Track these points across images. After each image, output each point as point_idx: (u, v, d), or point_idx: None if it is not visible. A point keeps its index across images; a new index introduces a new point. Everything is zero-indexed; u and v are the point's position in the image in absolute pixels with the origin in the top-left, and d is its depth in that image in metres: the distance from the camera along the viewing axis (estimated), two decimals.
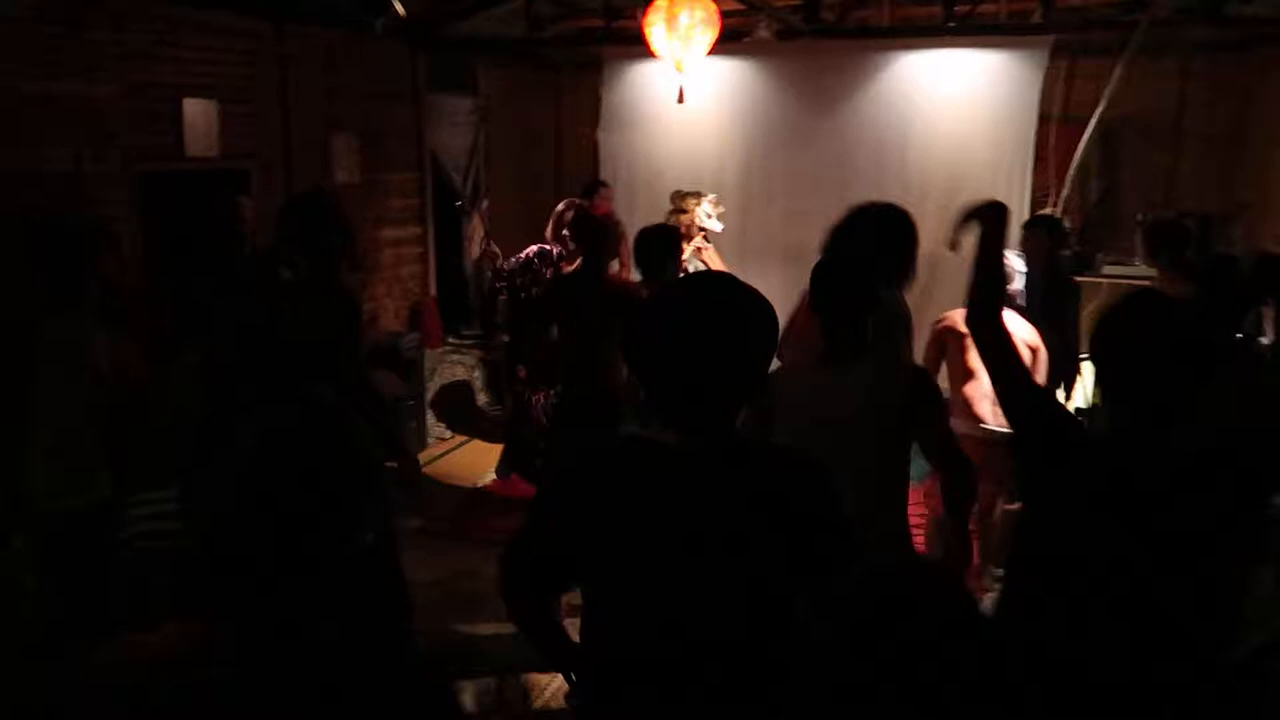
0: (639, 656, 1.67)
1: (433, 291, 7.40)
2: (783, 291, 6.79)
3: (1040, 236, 4.88)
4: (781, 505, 1.64)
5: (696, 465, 1.65)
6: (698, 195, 5.93)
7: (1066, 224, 6.42)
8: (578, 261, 4.41)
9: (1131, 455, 1.93)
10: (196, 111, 5.14)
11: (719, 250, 6.00)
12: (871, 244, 3.04)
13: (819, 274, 2.73)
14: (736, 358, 1.64)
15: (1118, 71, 5.58)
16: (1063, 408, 2.32)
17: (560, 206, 5.74)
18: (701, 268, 5.86)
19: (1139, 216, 6.75)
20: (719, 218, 5.87)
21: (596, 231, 4.26)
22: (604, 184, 6.81)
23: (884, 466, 2.62)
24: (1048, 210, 6.53)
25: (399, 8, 5.02)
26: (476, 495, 5.98)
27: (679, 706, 1.64)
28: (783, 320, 2.03)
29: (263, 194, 5.62)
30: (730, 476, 1.65)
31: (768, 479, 1.67)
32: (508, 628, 4.21)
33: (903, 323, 3.24)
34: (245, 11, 5.42)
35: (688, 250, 5.70)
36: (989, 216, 2.33)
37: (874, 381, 2.61)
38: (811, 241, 7.37)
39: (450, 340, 7.38)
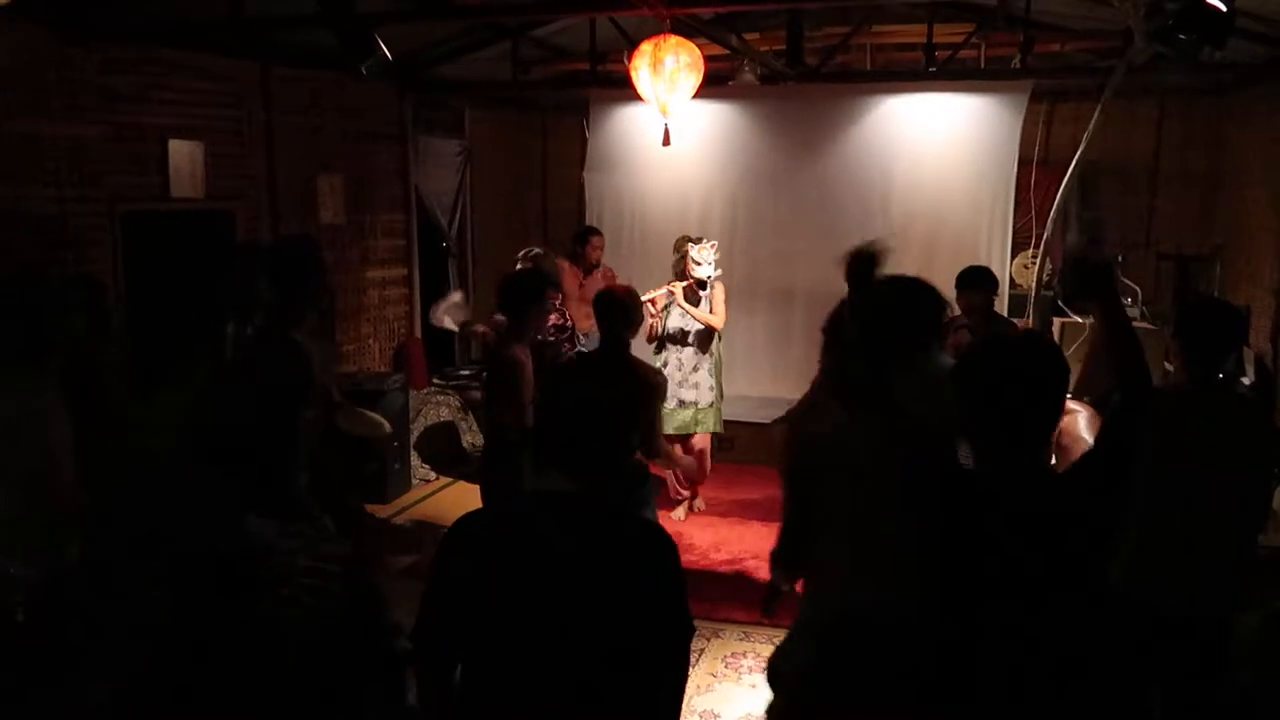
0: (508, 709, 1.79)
1: (417, 332, 7.39)
2: (769, 331, 6.87)
3: (972, 294, 4.85)
4: (618, 573, 1.79)
5: (543, 528, 1.80)
6: (689, 240, 5.83)
7: (1048, 267, 6.49)
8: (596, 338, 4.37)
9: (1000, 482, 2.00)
10: (182, 153, 5.14)
11: (727, 293, 5.87)
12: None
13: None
14: (629, 421, 1.92)
15: (1096, 116, 5.66)
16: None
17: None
18: (678, 312, 5.73)
19: (1119, 258, 6.84)
20: (714, 263, 5.71)
21: (617, 309, 4.17)
22: (595, 231, 6.74)
23: None
24: (1029, 253, 6.60)
25: (385, 51, 5.05)
26: None
27: None
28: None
29: (248, 234, 5.63)
30: (582, 543, 1.79)
31: (616, 551, 1.83)
32: None
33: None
34: (233, 55, 5.45)
35: (660, 297, 5.64)
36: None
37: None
38: (797, 282, 7.48)
39: (435, 381, 7.36)
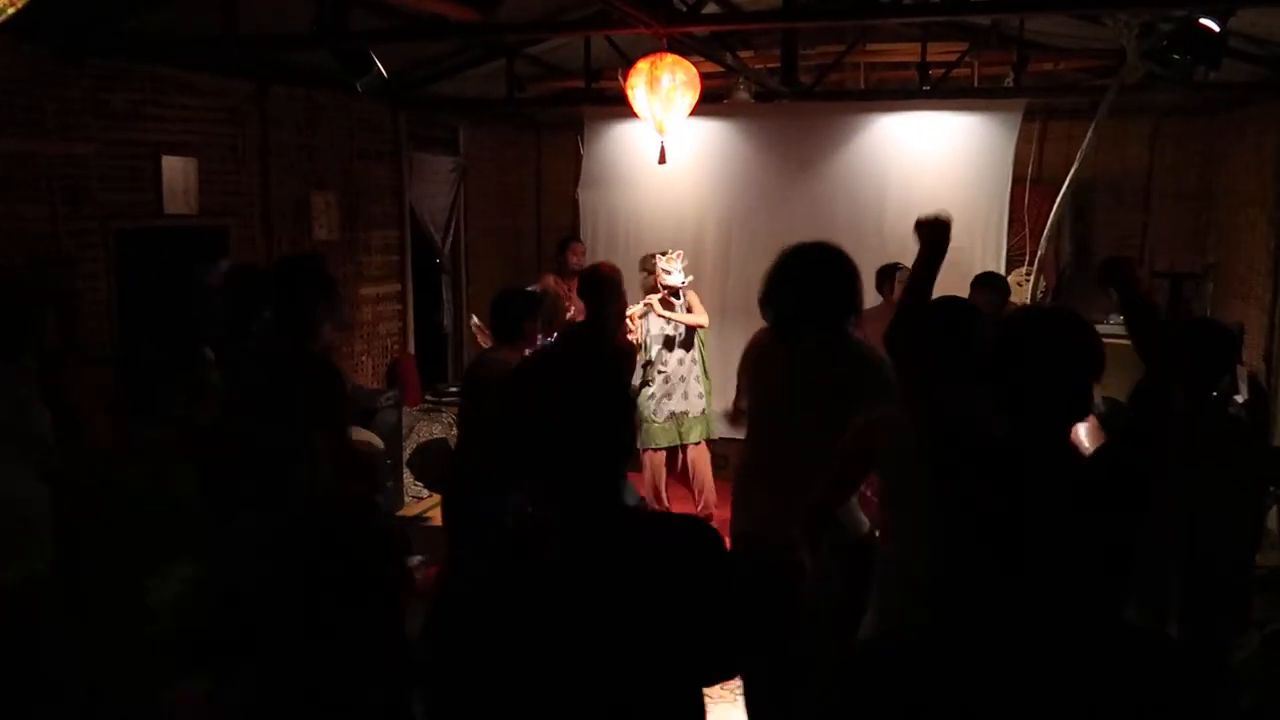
0: None
1: (411, 349, 7.36)
2: None
3: (989, 293, 4.95)
4: (663, 577, 1.59)
5: (578, 543, 1.61)
6: (655, 255, 6.00)
7: (1042, 284, 6.51)
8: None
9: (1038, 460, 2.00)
10: (176, 169, 5.13)
11: (702, 299, 5.99)
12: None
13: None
14: (592, 433, 1.62)
15: (1090, 134, 5.69)
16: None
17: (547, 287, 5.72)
18: (659, 322, 5.85)
19: None
20: (683, 270, 5.87)
21: (602, 285, 4.24)
22: (575, 239, 6.86)
23: None
24: (1024, 270, 6.62)
25: (381, 68, 5.06)
26: None
27: None
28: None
29: (242, 252, 5.61)
30: (610, 551, 1.61)
31: (649, 550, 1.63)
32: None
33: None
34: (228, 72, 5.44)
35: (637, 311, 5.76)
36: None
37: None
38: None
39: (428, 398, 7.32)
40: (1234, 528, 2.76)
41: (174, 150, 5.13)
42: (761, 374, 3.23)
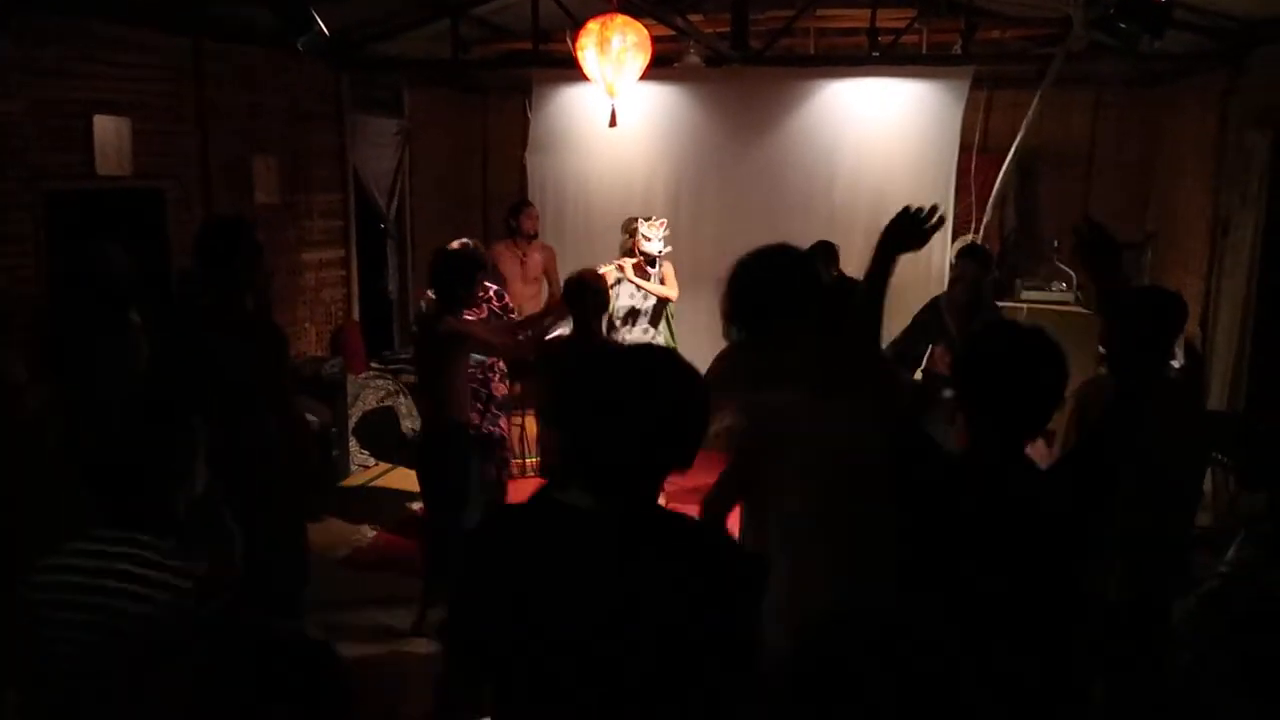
0: None
1: (355, 315, 7.24)
2: (711, 317, 6.83)
3: (974, 265, 4.97)
4: (691, 584, 1.54)
5: (607, 530, 1.56)
6: (637, 219, 5.95)
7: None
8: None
9: (997, 470, 2.02)
10: (108, 129, 4.95)
11: (677, 272, 5.95)
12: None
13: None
14: (671, 436, 1.57)
15: (1035, 103, 5.74)
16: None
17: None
18: (630, 290, 5.81)
19: (1054, 243, 6.96)
20: (663, 240, 5.83)
21: (586, 292, 4.20)
22: (528, 203, 6.77)
23: None
24: (969, 238, 6.68)
25: (322, 26, 4.91)
26: (408, 518, 5.84)
27: None
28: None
29: (180, 214, 5.45)
30: (644, 549, 1.56)
31: (680, 555, 1.57)
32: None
33: None
34: (162, 28, 5.25)
35: (609, 273, 5.66)
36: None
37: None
38: None
39: (374, 365, 7.22)
40: (1179, 492, 2.82)
41: (106, 109, 4.94)
42: None
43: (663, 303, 5.85)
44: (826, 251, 5.44)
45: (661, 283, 5.80)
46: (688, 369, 1.62)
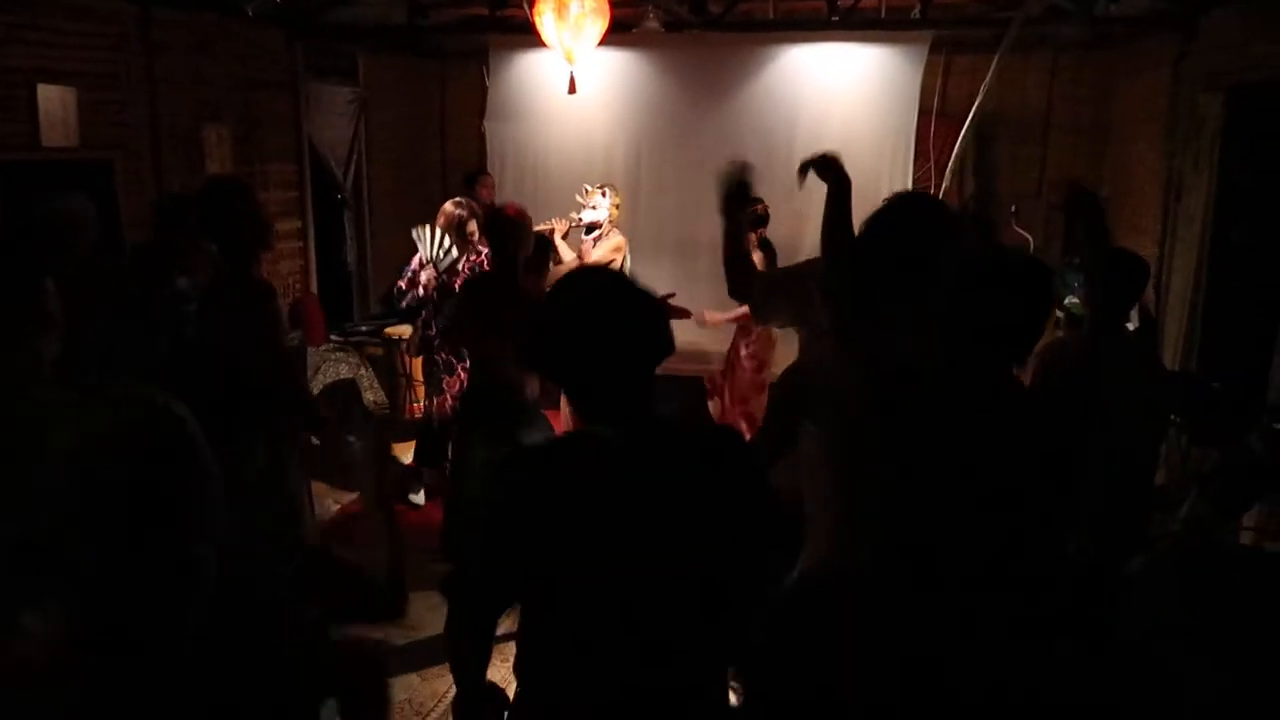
0: (593, 659, 1.66)
1: (314, 288, 7.15)
2: (674, 281, 6.84)
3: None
4: (717, 482, 1.69)
5: (635, 453, 1.66)
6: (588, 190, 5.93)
7: None
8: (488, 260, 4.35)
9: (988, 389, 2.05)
10: (53, 98, 4.81)
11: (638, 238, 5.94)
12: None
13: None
14: (645, 342, 1.69)
15: (993, 68, 5.77)
16: None
17: (451, 208, 5.49)
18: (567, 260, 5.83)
19: (1013, 208, 7.02)
20: (608, 211, 5.82)
21: (506, 228, 4.17)
22: (484, 172, 6.71)
23: None
24: None
25: None
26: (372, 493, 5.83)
27: (636, 703, 1.65)
28: None
29: (129, 186, 5.33)
30: (667, 460, 1.68)
31: (700, 457, 1.71)
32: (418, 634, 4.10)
33: None
34: None
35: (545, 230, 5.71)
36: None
37: None
38: (701, 233, 7.49)
39: (334, 338, 7.13)
40: (1136, 450, 2.88)
41: (51, 78, 4.81)
42: None
43: None
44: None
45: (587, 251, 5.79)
46: (627, 282, 1.77)
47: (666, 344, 1.72)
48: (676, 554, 1.63)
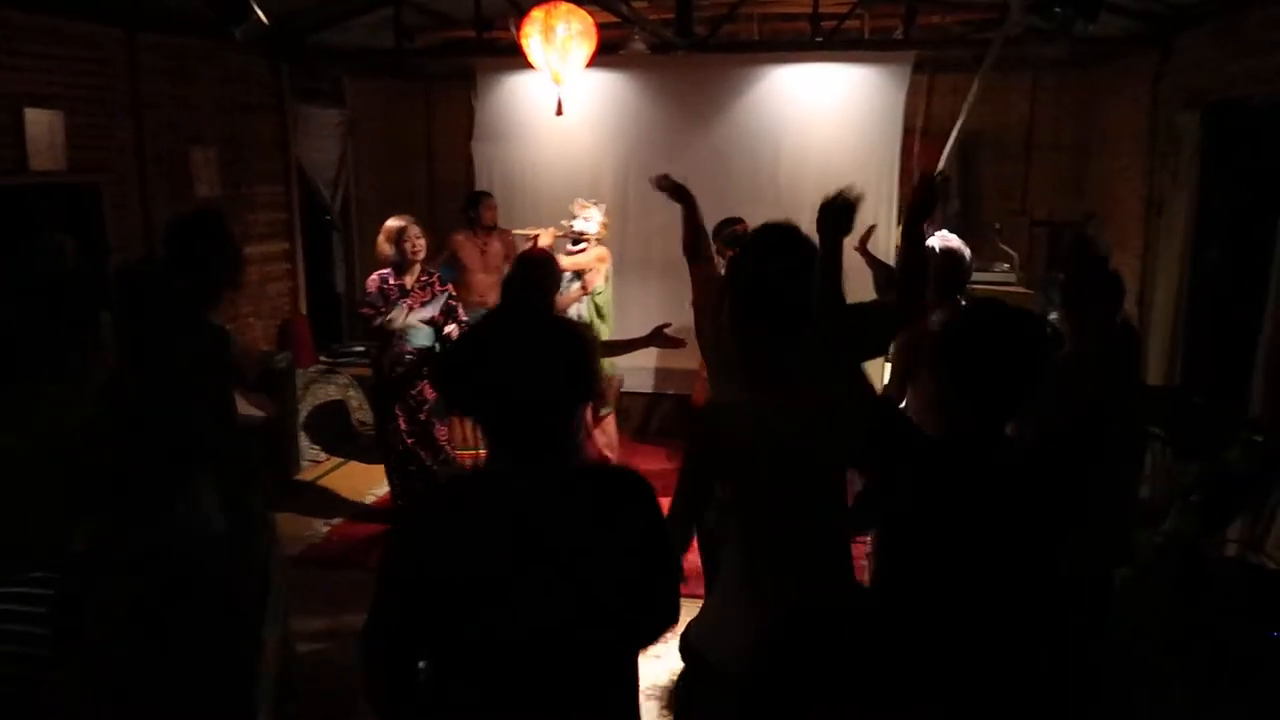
0: (492, 700, 1.67)
1: (303, 309, 7.15)
2: (661, 303, 6.91)
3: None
4: (611, 528, 1.71)
5: (532, 494, 1.67)
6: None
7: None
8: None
9: (976, 452, 2.05)
10: (40, 122, 4.83)
11: (607, 260, 5.96)
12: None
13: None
14: (557, 386, 1.68)
15: (975, 87, 5.82)
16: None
17: (391, 221, 5.29)
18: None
19: (996, 225, 7.08)
20: (597, 225, 5.89)
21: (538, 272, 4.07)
22: (487, 194, 6.69)
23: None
24: None
25: (260, 14, 4.82)
26: (362, 513, 5.82)
27: None
28: None
29: (116, 209, 5.34)
30: (562, 501, 1.69)
31: (598, 502, 1.73)
32: None
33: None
34: (95, 18, 5.13)
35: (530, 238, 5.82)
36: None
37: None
38: None
39: (322, 359, 7.14)
40: (1124, 465, 2.90)
41: (38, 102, 4.82)
42: None
43: (576, 279, 5.83)
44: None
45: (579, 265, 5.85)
46: (553, 323, 1.78)
47: (585, 390, 1.72)
48: (568, 593, 1.64)
